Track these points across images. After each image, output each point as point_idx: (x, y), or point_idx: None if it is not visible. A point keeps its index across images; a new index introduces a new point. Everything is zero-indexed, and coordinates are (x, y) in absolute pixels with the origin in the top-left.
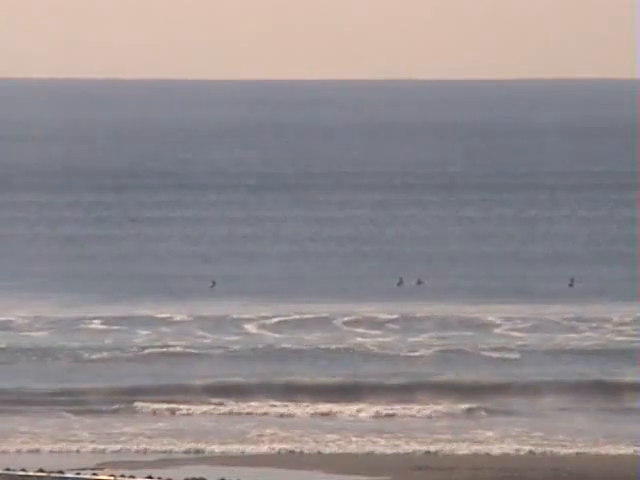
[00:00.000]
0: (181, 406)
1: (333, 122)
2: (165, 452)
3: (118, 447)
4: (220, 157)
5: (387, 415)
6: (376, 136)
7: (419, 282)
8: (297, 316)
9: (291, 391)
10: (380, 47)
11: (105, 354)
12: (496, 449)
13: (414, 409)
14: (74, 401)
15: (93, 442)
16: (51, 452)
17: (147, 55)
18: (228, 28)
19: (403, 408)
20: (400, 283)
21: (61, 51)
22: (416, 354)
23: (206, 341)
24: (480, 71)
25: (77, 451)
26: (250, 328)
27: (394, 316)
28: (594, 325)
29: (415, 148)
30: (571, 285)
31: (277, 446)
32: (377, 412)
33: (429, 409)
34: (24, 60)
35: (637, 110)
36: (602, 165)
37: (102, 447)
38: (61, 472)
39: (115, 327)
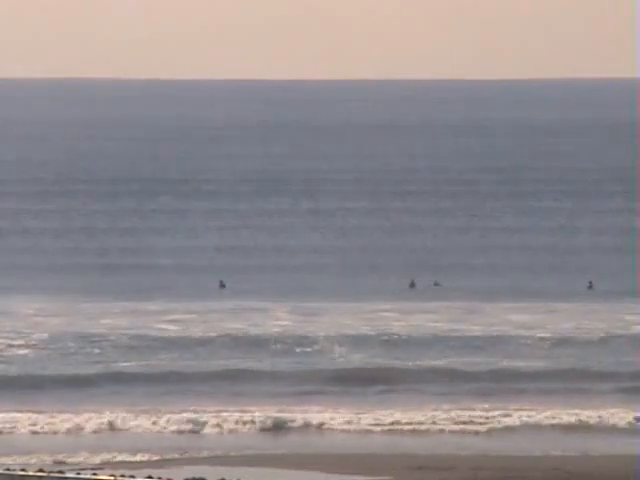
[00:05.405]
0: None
1: (338, 123)
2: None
3: None
4: (223, 159)
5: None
6: (379, 137)
7: (436, 284)
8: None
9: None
10: (380, 47)
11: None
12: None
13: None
14: None
15: None
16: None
17: (147, 55)
18: (228, 28)
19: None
20: (412, 285)
21: (62, 51)
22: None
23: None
24: (480, 71)
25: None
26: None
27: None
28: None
29: (420, 150)
30: (590, 287)
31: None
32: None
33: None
34: (24, 60)
35: (637, 110)
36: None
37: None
38: (61, 472)
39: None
